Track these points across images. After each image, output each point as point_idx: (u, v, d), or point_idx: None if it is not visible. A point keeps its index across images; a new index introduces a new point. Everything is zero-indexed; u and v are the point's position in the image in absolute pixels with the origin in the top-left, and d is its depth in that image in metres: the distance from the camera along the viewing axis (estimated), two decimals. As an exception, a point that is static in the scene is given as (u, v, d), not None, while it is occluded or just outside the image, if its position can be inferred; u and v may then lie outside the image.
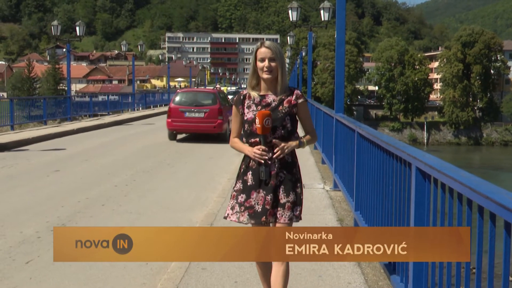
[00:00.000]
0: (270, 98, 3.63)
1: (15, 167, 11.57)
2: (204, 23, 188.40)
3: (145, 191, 9.14)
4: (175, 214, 7.57)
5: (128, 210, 7.75)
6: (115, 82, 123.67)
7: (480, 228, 2.53)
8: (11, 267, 5.37)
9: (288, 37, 38.85)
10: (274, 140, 3.55)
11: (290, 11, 23.38)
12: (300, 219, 3.60)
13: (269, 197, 3.50)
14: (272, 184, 3.53)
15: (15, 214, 7.49)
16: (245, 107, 3.67)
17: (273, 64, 3.57)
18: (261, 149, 3.53)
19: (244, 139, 3.70)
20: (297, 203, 3.57)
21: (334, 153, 8.86)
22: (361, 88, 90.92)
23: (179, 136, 17.85)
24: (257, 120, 3.48)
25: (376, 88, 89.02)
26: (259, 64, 3.59)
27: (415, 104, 79.46)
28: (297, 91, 3.67)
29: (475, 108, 79.56)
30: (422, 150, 3.72)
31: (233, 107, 3.75)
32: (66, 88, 51.04)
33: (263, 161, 3.52)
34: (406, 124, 79.56)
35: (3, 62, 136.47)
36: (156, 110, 37.37)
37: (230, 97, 23.94)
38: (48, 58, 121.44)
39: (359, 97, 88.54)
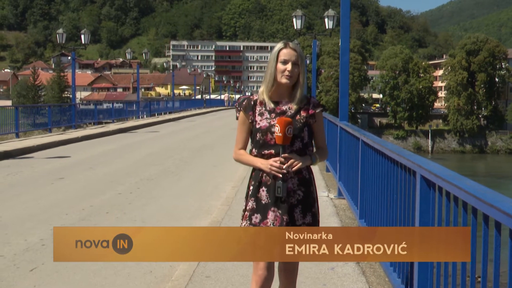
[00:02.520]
0: (285, 106, 3.22)
1: (19, 175, 11.60)
2: (209, 31, 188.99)
3: (149, 199, 9.15)
4: (179, 222, 7.56)
5: (132, 218, 7.75)
6: (119, 90, 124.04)
7: (485, 237, 2.52)
8: (15, 274, 5.37)
9: (293, 45, 38.90)
10: (290, 154, 3.13)
11: (294, 19, 23.46)
12: None
13: (285, 217, 3.13)
14: (291, 202, 3.15)
15: (20, 221, 7.50)
16: (256, 114, 3.24)
17: (296, 69, 3.17)
18: (279, 161, 3.11)
19: (254, 150, 3.24)
20: (314, 224, 3.19)
21: (339, 161, 8.86)
22: (366, 96, 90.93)
23: (188, 142, 17.91)
24: (277, 128, 3.07)
25: (381, 96, 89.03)
26: (280, 67, 3.16)
27: (419, 112, 79.40)
28: (313, 99, 3.28)
29: (480, 116, 79.46)
30: (426, 158, 3.71)
31: (241, 113, 3.30)
32: (71, 96, 51.21)
33: (281, 175, 3.10)
34: (411, 132, 79.47)
35: (9, 70, 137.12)
36: (161, 118, 37.42)
37: None
38: (53, 66, 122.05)
39: (363, 105, 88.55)
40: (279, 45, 3.22)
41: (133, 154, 15.78)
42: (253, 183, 3.22)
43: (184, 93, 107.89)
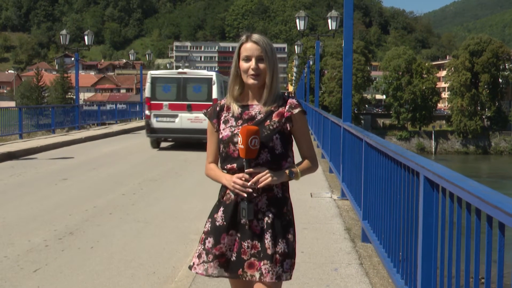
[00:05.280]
0: (255, 109, 2.74)
1: (23, 176, 11.61)
2: (212, 32, 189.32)
3: (152, 200, 9.15)
4: (183, 223, 7.57)
5: (135, 219, 7.75)
6: (123, 91, 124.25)
7: (489, 238, 2.52)
8: (19, 275, 5.38)
9: (296, 46, 38.98)
10: (256, 169, 2.64)
11: (297, 20, 23.44)
12: (291, 277, 2.68)
13: (246, 244, 2.66)
14: (261, 227, 2.67)
15: (23, 222, 7.51)
16: (221, 122, 2.79)
17: (261, 65, 2.68)
18: (243, 178, 2.62)
19: (219, 164, 2.82)
20: (288, 255, 2.65)
21: (342, 162, 8.85)
22: (369, 97, 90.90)
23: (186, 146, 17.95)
24: (239, 139, 2.58)
25: (384, 97, 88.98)
26: (243, 65, 2.69)
27: (422, 113, 79.35)
28: (291, 100, 2.76)
29: (483, 117, 79.39)
30: (430, 159, 3.70)
31: (208, 122, 2.85)
32: (74, 97, 51.32)
33: (245, 195, 2.63)
34: (414, 133, 79.42)
35: (12, 71, 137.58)
36: (164, 118, 37.40)
37: None
38: (56, 67, 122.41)
39: (366, 106, 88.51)
40: (242, 38, 2.74)
41: (136, 155, 15.79)
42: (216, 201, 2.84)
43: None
